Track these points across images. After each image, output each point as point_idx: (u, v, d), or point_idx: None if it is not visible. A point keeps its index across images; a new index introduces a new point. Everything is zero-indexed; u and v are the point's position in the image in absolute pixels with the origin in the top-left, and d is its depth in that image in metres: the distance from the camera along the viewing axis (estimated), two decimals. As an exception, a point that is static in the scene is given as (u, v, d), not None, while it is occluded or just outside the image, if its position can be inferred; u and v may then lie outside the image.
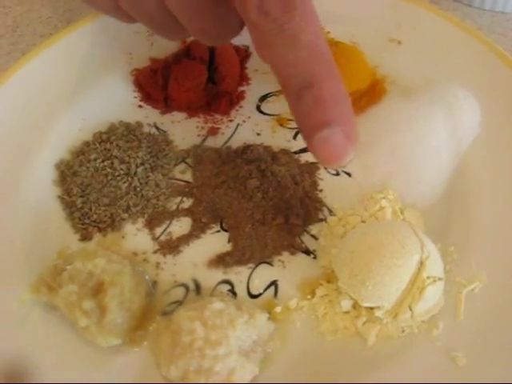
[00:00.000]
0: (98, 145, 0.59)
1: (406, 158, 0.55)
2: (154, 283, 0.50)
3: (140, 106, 0.64)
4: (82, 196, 0.56)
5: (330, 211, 0.54)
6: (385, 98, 0.60)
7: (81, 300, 0.46)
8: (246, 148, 0.57)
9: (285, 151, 0.58)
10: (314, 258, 0.51)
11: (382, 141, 0.57)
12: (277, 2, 0.38)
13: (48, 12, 0.78)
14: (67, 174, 0.57)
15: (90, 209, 0.55)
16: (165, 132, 0.61)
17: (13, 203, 0.55)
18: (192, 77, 0.61)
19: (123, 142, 0.58)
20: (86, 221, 0.55)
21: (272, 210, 0.52)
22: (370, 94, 0.60)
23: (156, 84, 0.63)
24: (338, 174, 0.56)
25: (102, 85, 0.64)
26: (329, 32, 0.66)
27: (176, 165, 0.59)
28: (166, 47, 0.66)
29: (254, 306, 0.48)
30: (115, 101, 0.63)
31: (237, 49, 0.66)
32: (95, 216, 0.55)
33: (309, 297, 0.48)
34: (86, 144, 0.60)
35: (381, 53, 0.64)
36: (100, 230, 0.54)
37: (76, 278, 0.47)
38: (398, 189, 0.54)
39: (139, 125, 0.62)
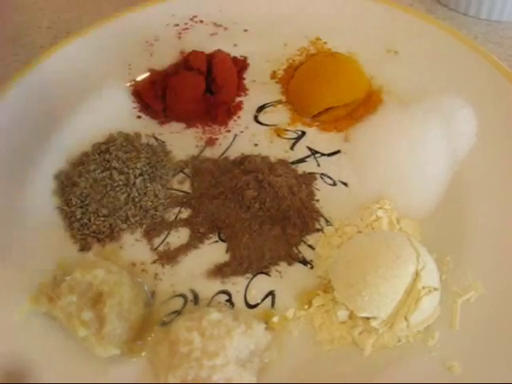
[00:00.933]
0: (97, 155, 0.59)
1: (402, 168, 0.55)
2: (153, 293, 0.51)
3: (139, 117, 0.64)
4: (81, 207, 0.56)
5: (327, 221, 0.54)
6: (381, 108, 0.61)
7: (80, 311, 0.46)
8: (244, 159, 0.57)
9: (282, 162, 0.58)
10: (311, 267, 0.51)
11: (378, 150, 0.57)
12: None
13: (47, 22, 0.79)
14: (66, 184, 0.58)
15: (89, 219, 0.55)
16: (163, 142, 0.62)
17: (12, 213, 0.56)
18: (190, 88, 0.62)
19: (122, 152, 0.59)
20: (85, 231, 0.55)
21: (269, 220, 0.53)
22: (366, 104, 0.61)
23: (155, 95, 0.63)
24: (334, 184, 0.57)
25: (100, 96, 0.65)
26: (325, 42, 0.67)
27: (174, 175, 0.59)
28: (165, 58, 0.67)
29: (251, 316, 0.48)
30: (114, 111, 0.64)
31: (234, 59, 0.66)
32: (94, 226, 0.55)
33: (306, 307, 0.48)
34: (86, 155, 0.60)
35: (378, 63, 0.64)
36: (99, 240, 0.55)
37: (75, 288, 0.47)
38: (395, 198, 0.54)
39: (138, 135, 0.62)
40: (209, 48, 0.66)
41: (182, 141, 0.62)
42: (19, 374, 0.46)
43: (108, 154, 0.59)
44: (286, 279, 0.51)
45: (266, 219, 0.53)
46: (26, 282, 0.50)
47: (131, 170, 0.58)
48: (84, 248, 0.55)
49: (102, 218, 0.55)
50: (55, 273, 0.51)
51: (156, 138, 0.62)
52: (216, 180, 0.57)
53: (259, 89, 0.66)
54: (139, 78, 0.66)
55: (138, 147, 0.60)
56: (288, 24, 0.68)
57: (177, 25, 0.70)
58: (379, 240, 0.47)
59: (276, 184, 0.54)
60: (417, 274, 0.45)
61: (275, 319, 0.48)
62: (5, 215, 0.55)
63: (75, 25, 0.77)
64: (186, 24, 0.70)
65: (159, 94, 0.63)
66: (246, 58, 0.67)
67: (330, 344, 0.47)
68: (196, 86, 0.62)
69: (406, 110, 0.58)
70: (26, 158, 0.59)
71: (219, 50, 0.65)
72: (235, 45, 0.68)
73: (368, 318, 0.46)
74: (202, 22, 0.70)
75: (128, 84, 0.66)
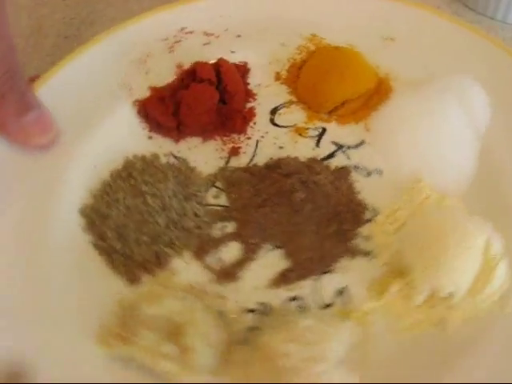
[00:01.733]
0: (121, 183, 0.56)
1: (429, 149, 0.57)
2: (221, 313, 0.49)
3: (150, 137, 0.62)
4: (119, 238, 0.53)
5: (375, 210, 0.55)
6: (393, 94, 0.62)
7: (159, 345, 0.44)
8: (278, 162, 0.56)
9: (314, 160, 0.58)
10: (373, 258, 0.52)
11: (401, 135, 0.58)
12: None
13: (71, 13, 0.80)
14: (95, 218, 0.55)
15: (132, 250, 0.53)
16: (184, 160, 0.60)
17: (45, 258, 0.52)
18: (204, 100, 0.60)
19: (147, 175, 0.56)
20: (130, 263, 0.52)
21: (323, 219, 0.53)
22: (378, 93, 0.62)
23: (166, 112, 0.61)
24: (369, 174, 0.57)
25: (105, 120, 0.61)
26: (324, 38, 0.67)
27: (207, 190, 0.58)
28: (162, 74, 0.65)
29: (331, 315, 0.48)
30: (123, 135, 0.61)
31: (236, 66, 0.66)
32: (139, 257, 0.52)
33: (380, 296, 0.49)
34: (107, 184, 0.57)
35: (377, 52, 0.65)
36: (147, 270, 0.52)
37: (148, 323, 0.45)
38: (430, 179, 0.56)
39: (156, 156, 0.60)
40: (206, 58, 0.65)
41: (203, 155, 0.60)
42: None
43: (133, 179, 0.56)
44: (353, 273, 0.51)
45: (320, 218, 0.52)
46: (84, 326, 0.48)
47: (164, 192, 0.55)
48: (133, 281, 0.52)
49: (145, 247, 0.53)
50: (114, 311, 0.48)
51: (175, 156, 0.60)
52: (255, 188, 0.55)
53: (266, 92, 0.65)
54: (140, 97, 0.64)
55: (162, 168, 0.58)
56: (281, 24, 0.68)
57: (166, 39, 0.68)
58: (441, 218, 0.48)
59: (320, 182, 0.54)
60: (487, 243, 0.46)
61: (354, 315, 0.48)
62: (38, 261, 0.51)
63: (99, 17, 0.78)
64: (175, 37, 0.68)
65: (170, 111, 0.61)
66: (246, 63, 0.67)
67: (413, 329, 0.47)
68: (209, 97, 0.60)
69: (418, 92, 0.60)
70: (45, 193, 0.55)
71: (222, 59, 0.64)
72: (233, 52, 0.67)
73: (447, 297, 0.47)
74: (191, 32, 0.69)
75: (131, 105, 0.63)
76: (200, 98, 0.60)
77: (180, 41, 0.68)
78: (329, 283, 0.50)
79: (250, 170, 0.57)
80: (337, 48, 0.64)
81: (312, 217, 0.53)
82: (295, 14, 0.69)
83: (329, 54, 0.63)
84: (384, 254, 0.51)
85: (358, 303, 0.49)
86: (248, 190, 0.56)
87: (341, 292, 0.50)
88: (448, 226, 0.46)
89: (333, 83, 0.61)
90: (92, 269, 0.52)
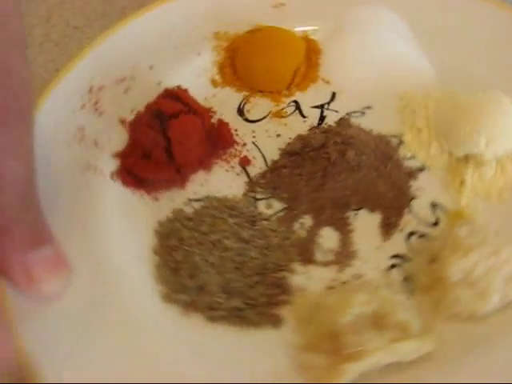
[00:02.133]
0: (179, 244, 0.50)
1: (384, 60, 0.63)
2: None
3: (156, 199, 0.55)
4: (228, 297, 0.48)
5: (397, 137, 0.59)
6: (325, 46, 0.66)
7: (384, 335, 0.42)
8: (301, 144, 0.56)
9: (316, 128, 0.60)
10: (427, 169, 0.56)
11: (355, 66, 0.64)
12: None
13: (81, 3, 0.77)
14: (193, 293, 0.48)
15: (250, 297, 0.48)
16: (208, 196, 0.55)
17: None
18: (192, 130, 0.56)
19: (207, 226, 0.51)
20: (260, 310, 0.48)
21: (377, 161, 0.55)
22: (312, 50, 0.65)
23: (159, 164, 0.55)
24: (363, 114, 0.61)
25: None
26: (227, 31, 0.67)
27: (257, 207, 0.55)
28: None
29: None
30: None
31: (176, 91, 0.62)
32: (262, 298, 0.48)
33: (462, 187, 0.54)
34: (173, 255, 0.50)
35: (273, 19, 0.67)
36: (279, 303, 0.48)
37: (356, 328, 0.43)
38: (402, 83, 0.62)
39: (181, 210, 0.54)
40: (136, 100, 0.60)
41: (220, 182, 0.56)
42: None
43: (196, 232, 0.51)
44: (426, 188, 0.55)
45: (373, 163, 0.55)
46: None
47: (231, 229, 0.51)
48: (278, 322, 0.47)
49: (260, 285, 0.49)
50: (319, 348, 0.44)
51: (197, 199, 0.55)
52: (300, 177, 0.54)
53: (217, 101, 0.63)
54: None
55: (203, 214, 0.53)
56: (182, 37, 0.66)
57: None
58: (464, 101, 0.55)
59: (353, 134, 0.56)
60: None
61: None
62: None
63: (110, 7, 0.76)
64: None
65: (162, 160, 0.55)
66: (179, 86, 0.63)
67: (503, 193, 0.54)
68: (196, 125, 0.56)
69: (343, 34, 0.66)
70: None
71: (166, 89, 0.59)
72: (159, 83, 0.62)
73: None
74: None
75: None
76: (188, 131, 0.55)
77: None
78: (419, 207, 0.54)
79: (277, 167, 0.56)
80: (253, 31, 0.65)
81: (368, 165, 0.55)
82: (190, 23, 0.67)
83: (253, 39, 0.64)
84: (436, 160, 0.56)
85: (454, 204, 0.54)
86: (294, 181, 0.55)
87: (434, 206, 0.54)
88: (474, 103, 0.54)
89: (277, 61, 0.63)
90: (230, 338, 0.46)
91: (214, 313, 0.47)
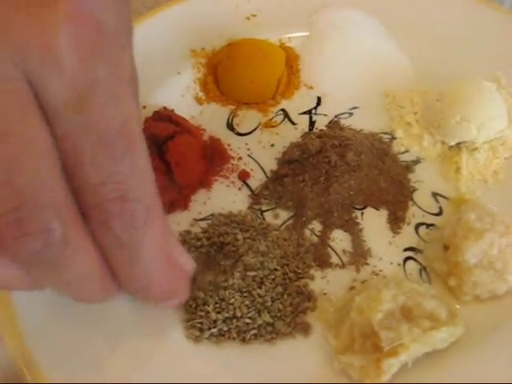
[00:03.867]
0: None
1: (364, 61, 0.65)
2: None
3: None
4: (253, 311, 0.47)
5: (390, 134, 0.60)
6: (302, 54, 0.67)
7: (419, 326, 0.43)
8: (302, 149, 0.56)
9: (307, 133, 0.60)
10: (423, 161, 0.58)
11: (335, 69, 0.65)
12: None
13: None
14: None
15: (280, 310, 0.48)
16: (213, 214, 0.55)
17: None
18: (190, 150, 0.55)
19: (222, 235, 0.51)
20: (287, 321, 0.47)
21: (374, 158, 0.56)
22: (292, 58, 0.66)
23: (161, 189, 0.54)
24: (351, 114, 0.62)
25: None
26: (204, 48, 0.67)
27: (264, 218, 0.55)
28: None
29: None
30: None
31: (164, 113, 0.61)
32: (289, 308, 0.48)
33: (459, 174, 0.56)
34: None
35: (248, 31, 0.68)
36: (305, 310, 0.48)
37: (388, 323, 0.43)
38: (384, 81, 0.64)
39: (193, 224, 0.54)
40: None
41: (223, 198, 0.56)
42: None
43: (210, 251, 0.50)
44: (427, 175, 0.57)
45: (371, 160, 0.56)
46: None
47: (251, 247, 0.50)
48: (307, 330, 0.47)
49: (286, 297, 0.48)
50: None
51: (203, 219, 0.55)
52: (303, 183, 0.54)
53: (204, 118, 0.63)
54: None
55: (211, 231, 0.52)
56: (157, 54, 0.65)
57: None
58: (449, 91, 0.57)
59: (348, 136, 0.56)
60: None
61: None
62: None
63: None
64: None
65: (164, 185, 0.54)
66: (165, 107, 0.62)
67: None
68: (193, 145, 0.56)
69: (322, 39, 0.67)
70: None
71: (156, 112, 0.59)
72: (144, 107, 0.61)
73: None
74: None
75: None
76: (185, 151, 0.55)
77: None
78: (421, 198, 0.55)
79: (278, 176, 0.57)
80: (230, 45, 0.66)
81: (367, 164, 0.56)
82: (166, 43, 0.67)
83: (232, 53, 0.64)
84: (430, 151, 0.58)
85: (453, 191, 0.56)
86: (298, 189, 0.55)
87: (435, 195, 0.55)
88: (463, 91, 0.56)
89: (260, 72, 0.63)
90: (264, 354, 0.46)
91: (245, 335, 0.47)
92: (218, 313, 0.47)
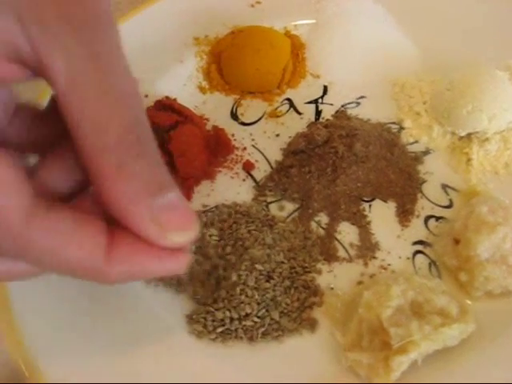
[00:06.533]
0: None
1: (369, 51, 0.63)
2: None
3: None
4: (262, 307, 0.46)
5: (398, 124, 0.59)
6: (309, 41, 0.65)
7: (429, 323, 0.42)
8: (308, 139, 0.54)
9: (313, 123, 0.59)
10: (432, 152, 0.57)
11: (342, 56, 0.63)
12: None
13: None
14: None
15: (287, 305, 0.46)
16: (218, 206, 0.53)
17: None
18: (192, 139, 0.54)
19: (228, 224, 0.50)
20: (294, 316, 0.46)
21: (382, 149, 0.55)
22: (298, 47, 0.65)
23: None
24: (358, 104, 0.61)
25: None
26: (207, 35, 0.66)
27: (268, 210, 0.53)
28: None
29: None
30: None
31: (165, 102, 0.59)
32: (296, 303, 0.47)
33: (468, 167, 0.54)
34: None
35: (252, 19, 0.66)
36: (315, 303, 0.47)
37: (397, 319, 0.42)
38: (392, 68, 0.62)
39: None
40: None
41: (227, 189, 0.55)
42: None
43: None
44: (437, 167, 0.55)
45: (380, 151, 0.54)
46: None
47: (257, 239, 0.49)
48: (313, 325, 0.46)
49: (293, 291, 0.47)
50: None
51: (207, 211, 0.53)
52: (309, 173, 0.53)
53: (208, 108, 0.61)
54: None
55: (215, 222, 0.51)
56: (159, 43, 0.64)
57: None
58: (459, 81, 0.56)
59: (355, 126, 0.55)
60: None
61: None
62: None
63: None
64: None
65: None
66: (167, 96, 0.61)
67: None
68: (195, 134, 0.54)
69: (324, 31, 0.65)
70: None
71: (157, 101, 0.57)
72: (146, 96, 0.60)
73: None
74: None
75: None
76: (189, 141, 0.54)
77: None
78: (431, 190, 0.54)
79: (283, 167, 0.55)
80: (234, 32, 0.64)
81: (375, 155, 0.54)
82: (168, 31, 0.65)
83: (236, 41, 0.63)
84: (439, 142, 0.56)
85: (464, 183, 0.54)
86: (304, 180, 0.53)
87: (445, 187, 0.54)
88: (472, 80, 0.54)
89: (266, 60, 0.61)
90: (270, 351, 0.45)
91: (253, 333, 0.45)
92: (228, 310, 0.45)
